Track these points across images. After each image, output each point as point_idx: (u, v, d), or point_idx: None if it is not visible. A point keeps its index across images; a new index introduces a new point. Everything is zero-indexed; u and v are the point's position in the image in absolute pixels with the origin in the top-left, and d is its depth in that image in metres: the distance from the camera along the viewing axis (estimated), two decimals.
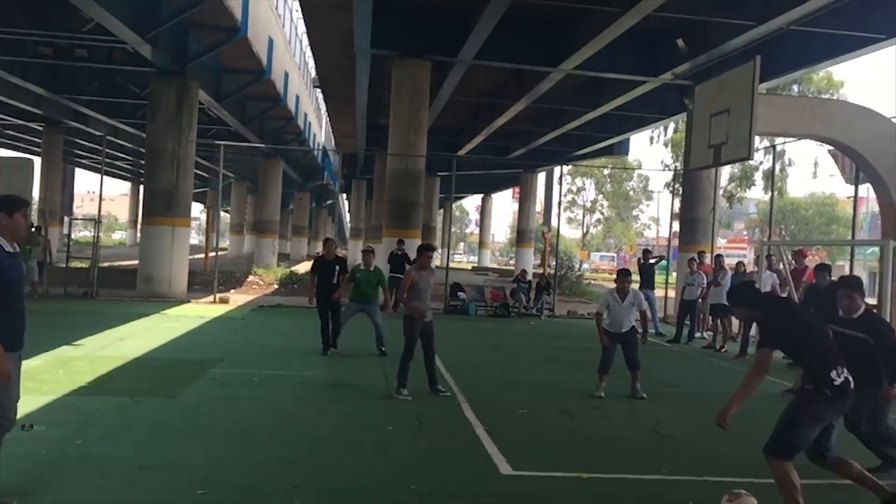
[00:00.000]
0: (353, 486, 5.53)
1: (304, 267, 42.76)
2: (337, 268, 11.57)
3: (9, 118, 33.19)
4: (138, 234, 74.18)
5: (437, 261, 17.57)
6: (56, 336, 11.82)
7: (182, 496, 5.10)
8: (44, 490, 5.08)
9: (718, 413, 5.00)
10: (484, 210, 65.11)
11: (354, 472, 5.86)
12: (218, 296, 19.44)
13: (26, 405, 7.34)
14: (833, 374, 4.89)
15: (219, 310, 17.46)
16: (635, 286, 10.45)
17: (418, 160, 19.92)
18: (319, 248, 72.33)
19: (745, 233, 67.33)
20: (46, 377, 8.84)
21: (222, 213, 70.26)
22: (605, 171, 64.58)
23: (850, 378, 4.96)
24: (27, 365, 9.46)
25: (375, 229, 35.22)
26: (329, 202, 76.50)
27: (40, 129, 36.07)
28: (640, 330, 9.78)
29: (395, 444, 6.73)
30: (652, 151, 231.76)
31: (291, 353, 11.52)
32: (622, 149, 35.96)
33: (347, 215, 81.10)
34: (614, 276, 10.13)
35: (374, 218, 37.72)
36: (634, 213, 78.78)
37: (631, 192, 75.97)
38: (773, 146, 19.58)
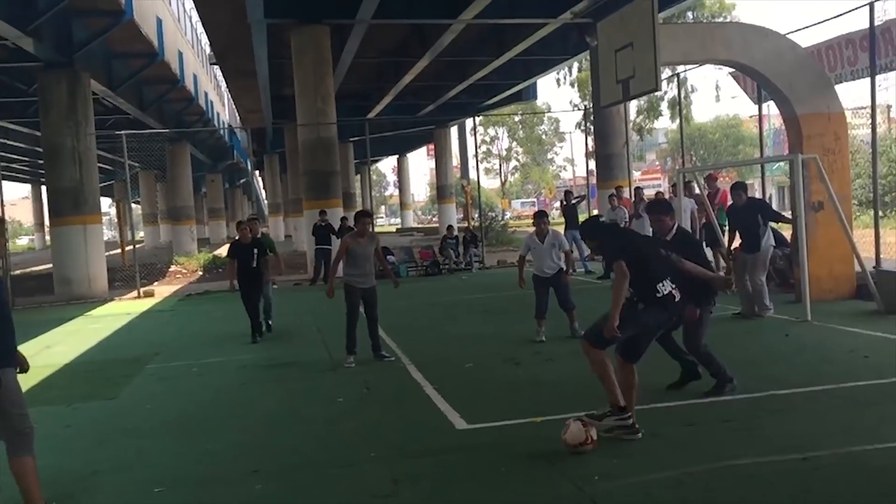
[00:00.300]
0: (312, 461, 5.51)
1: (226, 250, 41.97)
2: (255, 250, 11.00)
3: None
4: (47, 237, 71.23)
5: None
6: None
7: (140, 497, 4.99)
8: None
9: (606, 328, 5.37)
10: (401, 171, 64.83)
11: (311, 447, 5.84)
12: (142, 290, 18.90)
13: None
14: (659, 286, 5.45)
15: (145, 304, 17.00)
16: (560, 228, 10.61)
17: (330, 128, 19.64)
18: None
19: (657, 163, 69.00)
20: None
21: (133, 205, 68.00)
22: (516, 118, 65.00)
23: (676, 292, 5.51)
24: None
25: (295, 203, 34.73)
26: (242, 181, 74.81)
27: None
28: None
29: (347, 415, 6.72)
30: (560, 93, 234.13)
31: (226, 338, 11.31)
32: (530, 94, 36.21)
33: (263, 192, 79.62)
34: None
35: (292, 191, 37.14)
36: (549, 156, 79.84)
37: (543, 136, 76.84)
38: (677, 75, 20.01)
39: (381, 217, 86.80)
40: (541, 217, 9.81)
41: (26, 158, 44.15)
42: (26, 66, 19.28)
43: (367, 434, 6.04)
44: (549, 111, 67.31)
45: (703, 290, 6.28)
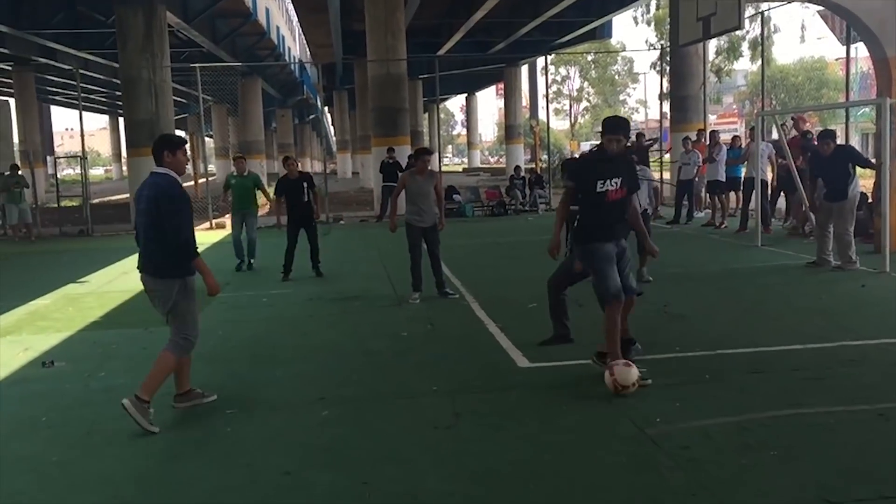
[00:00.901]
0: (375, 391, 5.64)
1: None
2: (304, 185, 10.92)
3: None
4: (124, 168, 73.21)
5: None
6: (60, 275, 11.85)
7: (213, 415, 5.19)
8: (77, 422, 5.16)
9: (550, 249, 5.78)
10: (469, 110, 64.26)
11: (374, 378, 5.97)
12: (214, 221, 19.37)
13: (43, 343, 7.46)
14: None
15: (216, 235, 17.43)
16: None
17: (399, 64, 19.53)
18: (307, 165, 71.69)
19: (734, 106, 66.72)
20: (58, 315, 8.90)
21: (205, 138, 69.15)
22: (589, 57, 63.44)
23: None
24: (36, 305, 9.55)
25: (363, 139, 34.82)
26: (312, 117, 75.30)
27: (9, 69, 35.12)
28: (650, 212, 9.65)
29: (410, 349, 6.83)
30: (636, 32, 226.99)
31: (294, 270, 11.50)
32: (605, 32, 35.19)
33: (332, 128, 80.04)
34: None
35: (360, 128, 37.20)
36: (622, 97, 77.86)
37: (616, 77, 74.89)
38: (760, 13, 19.11)
39: (448, 156, 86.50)
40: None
41: (104, 90, 45.33)
42: None
43: (430, 369, 6.14)
44: (623, 50, 65.46)
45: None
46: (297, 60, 47.11)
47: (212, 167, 57.65)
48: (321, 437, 4.75)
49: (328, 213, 19.97)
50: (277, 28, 36.86)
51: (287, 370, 6.28)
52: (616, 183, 5.46)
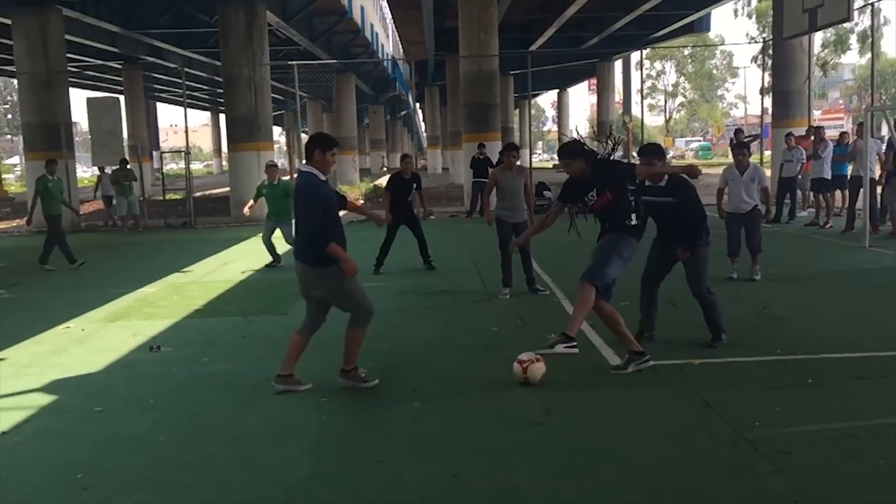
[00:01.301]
0: (467, 385, 5.67)
1: (386, 180, 43.17)
2: (414, 185, 11.14)
3: (88, 59, 33.92)
4: (223, 162, 75.59)
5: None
6: (165, 265, 12.37)
7: (308, 403, 5.34)
8: (183, 405, 5.39)
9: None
10: (561, 105, 63.64)
11: (466, 372, 6.00)
12: None
13: (150, 329, 7.80)
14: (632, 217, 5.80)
15: None
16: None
17: (491, 60, 19.52)
18: (396, 161, 72.52)
19: (840, 102, 63.86)
20: (163, 303, 9.29)
21: (301, 134, 70.75)
22: (686, 52, 61.87)
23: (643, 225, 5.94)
24: (143, 293, 10.01)
25: (454, 136, 34.96)
26: (403, 113, 76.14)
27: (119, 67, 36.80)
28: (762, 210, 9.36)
29: (501, 344, 6.83)
30: (735, 25, 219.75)
31: (387, 263, 11.65)
32: (703, 25, 34.26)
33: (423, 125, 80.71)
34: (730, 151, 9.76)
35: (451, 124, 37.37)
36: (719, 92, 75.63)
37: (714, 71, 72.77)
38: (870, 4, 18.22)
39: (538, 153, 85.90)
40: (740, 148, 9.34)
41: (206, 87, 46.98)
42: None
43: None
44: (722, 44, 63.55)
45: (692, 231, 6.15)
46: (389, 57, 47.72)
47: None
48: (413, 428, 4.82)
49: (418, 209, 20.13)
50: (371, 26, 37.41)
51: (379, 362, 6.37)
52: (593, 195, 5.80)
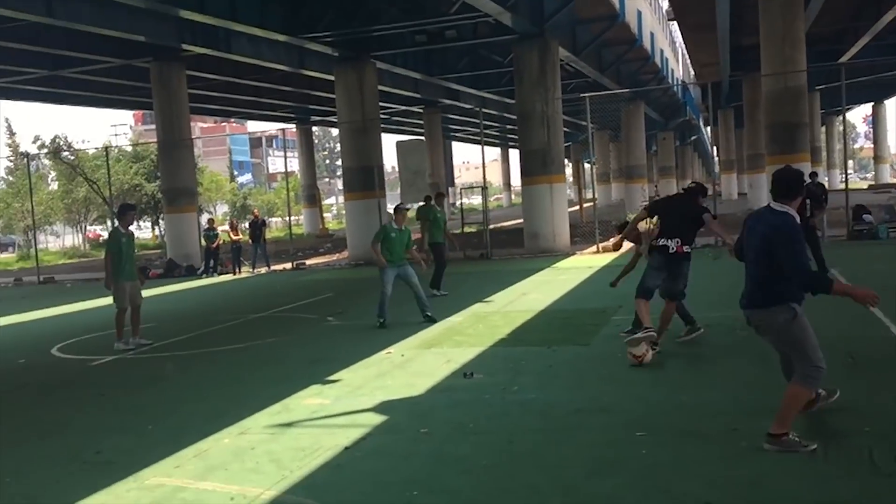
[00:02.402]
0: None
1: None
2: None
3: (394, 105, 37.17)
4: (512, 196, 78.13)
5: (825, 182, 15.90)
6: (468, 295, 13.02)
7: (624, 436, 5.24)
8: (500, 431, 5.56)
9: None
10: (877, 119, 57.55)
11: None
12: (601, 245, 19.78)
13: (461, 356, 8.21)
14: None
15: (605, 259, 17.74)
16: None
17: (798, 76, 18.22)
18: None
19: None
20: (470, 331, 9.74)
21: (586, 165, 71.13)
22: None
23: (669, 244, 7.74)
24: (451, 321, 10.56)
25: (752, 159, 32.99)
26: (693, 137, 73.49)
27: (420, 111, 39.81)
28: None
29: (830, 383, 6.20)
30: None
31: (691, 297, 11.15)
32: None
33: (713, 149, 77.27)
34: None
35: (749, 147, 35.30)
36: None
37: None
38: None
39: (850, 172, 78.17)
40: None
41: (496, 124, 49.11)
42: (503, 39, 21.28)
43: (860, 405, 5.53)
44: None
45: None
46: (680, 82, 46.48)
47: (591, 193, 59.21)
48: (741, 470, 4.51)
49: (717, 237, 19.21)
50: (661, 51, 36.77)
51: (691, 396, 6.11)
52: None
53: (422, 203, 20.39)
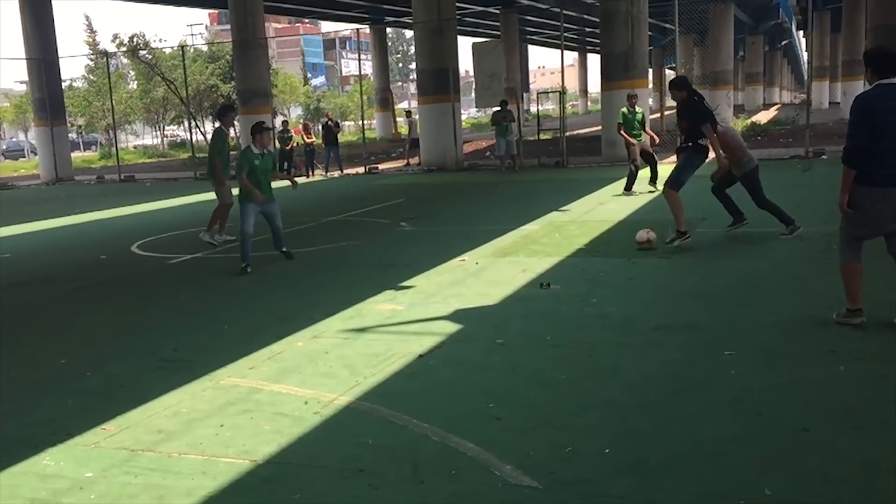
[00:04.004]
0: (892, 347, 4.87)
1: (764, 116, 39.92)
2: None
3: (469, 6, 35.98)
4: (588, 103, 76.05)
5: None
6: (544, 203, 12.69)
7: (710, 356, 4.98)
8: (578, 344, 5.37)
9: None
10: None
11: (893, 336, 5.16)
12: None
13: (537, 266, 7.99)
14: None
15: None
16: None
17: None
18: (775, 95, 66.68)
19: None
20: (546, 241, 9.48)
21: (668, 71, 68.21)
22: None
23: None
24: (526, 230, 10.32)
25: (847, 65, 31.07)
26: (784, 42, 69.67)
27: (497, 12, 38.47)
28: None
29: None
30: None
31: (798, 205, 10.51)
32: None
33: (805, 55, 73.18)
34: None
35: (845, 52, 33.17)
36: None
37: None
38: None
39: None
40: None
41: (575, 27, 47.28)
42: None
43: None
44: None
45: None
46: None
47: (669, 101, 57.12)
48: (837, 395, 4.22)
49: (808, 148, 18.27)
50: None
51: (782, 315, 5.78)
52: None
53: (497, 108, 19.92)
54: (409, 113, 26.99)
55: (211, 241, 10.44)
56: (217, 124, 11.21)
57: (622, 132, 13.88)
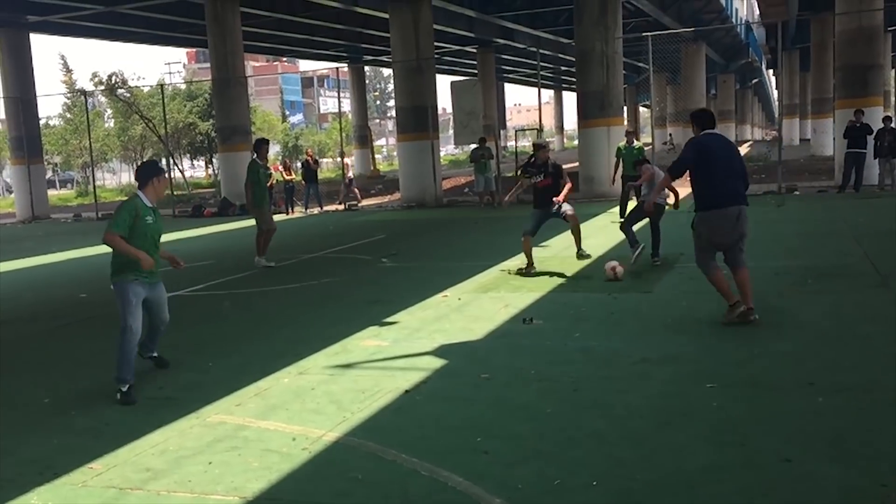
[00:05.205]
0: (876, 383, 4.98)
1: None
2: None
3: (447, 45, 36.49)
4: (564, 139, 76.84)
5: None
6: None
7: (693, 388, 5.06)
8: (563, 378, 5.43)
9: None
10: None
11: (872, 368, 5.29)
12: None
13: (519, 301, 8.07)
14: None
15: None
16: None
17: (874, 15, 17.34)
18: (746, 132, 67.78)
19: None
20: (527, 276, 9.56)
21: (640, 108, 69.35)
22: None
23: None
24: (507, 266, 10.42)
25: (817, 103, 31.83)
26: (754, 81, 71.23)
27: (474, 51, 39.04)
28: None
29: None
30: None
31: (754, 241, 10.79)
32: None
33: (775, 92, 74.79)
34: None
35: (815, 91, 33.99)
36: None
37: None
38: None
39: None
40: None
41: (551, 65, 48.10)
42: None
43: None
44: None
45: None
46: (743, 21, 44.78)
47: (647, 137, 57.95)
48: (819, 426, 4.32)
49: (780, 183, 18.63)
50: None
51: (764, 348, 5.89)
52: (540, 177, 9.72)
53: (475, 145, 20.13)
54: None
55: (268, 263, 11.46)
56: (254, 155, 12.03)
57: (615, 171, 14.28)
